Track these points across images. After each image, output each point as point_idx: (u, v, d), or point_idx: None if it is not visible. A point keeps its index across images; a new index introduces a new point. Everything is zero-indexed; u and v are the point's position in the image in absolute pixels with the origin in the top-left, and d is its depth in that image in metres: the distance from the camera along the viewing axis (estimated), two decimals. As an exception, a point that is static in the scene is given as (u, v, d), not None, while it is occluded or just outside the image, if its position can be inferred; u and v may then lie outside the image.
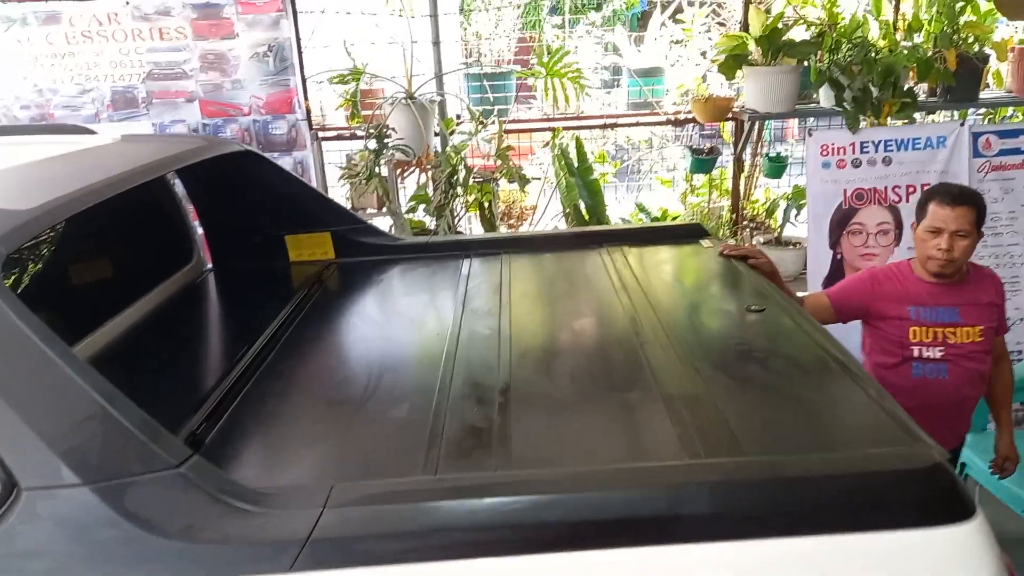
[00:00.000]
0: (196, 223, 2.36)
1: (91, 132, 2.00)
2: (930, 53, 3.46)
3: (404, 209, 3.60)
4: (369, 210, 3.59)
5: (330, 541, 1.00)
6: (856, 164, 3.42)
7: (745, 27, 3.63)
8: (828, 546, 1.01)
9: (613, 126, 4.15)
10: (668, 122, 4.08)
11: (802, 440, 1.25)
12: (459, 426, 1.30)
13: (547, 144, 4.04)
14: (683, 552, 1.01)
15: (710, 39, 4.29)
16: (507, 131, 3.65)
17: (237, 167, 2.12)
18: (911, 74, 3.56)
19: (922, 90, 3.70)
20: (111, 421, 1.00)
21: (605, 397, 1.42)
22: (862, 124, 3.37)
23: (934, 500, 1.02)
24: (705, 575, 1.01)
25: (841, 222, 3.48)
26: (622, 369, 1.52)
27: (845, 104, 3.32)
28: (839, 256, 3.52)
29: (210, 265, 2.35)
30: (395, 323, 1.90)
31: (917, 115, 3.57)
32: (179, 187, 2.31)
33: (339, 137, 3.80)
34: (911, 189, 3.41)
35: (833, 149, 3.42)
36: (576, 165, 3.88)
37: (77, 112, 3.42)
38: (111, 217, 1.60)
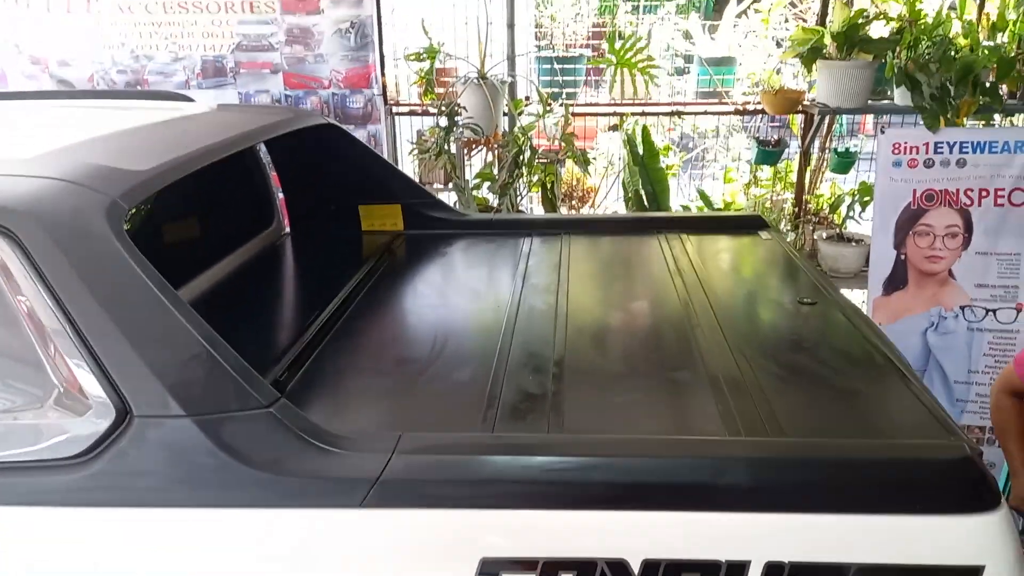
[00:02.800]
0: (277, 189, 2.51)
1: (189, 99, 2.16)
2: (1012, 53, 3.37)
3: (470, 186, 3.71)
4: (436, 185, 3.71)
5: (396, 483, 1.11)
6: (928, 164, 3.37)
7: (822, 20, 3.59)
8: (858, 525, 1.07)
9: (680, 114, 4.15)
10: (736, 112, 4.07)
11: (841, 427, 1.31)
12: (516, 391, 1.40)
13: (612, 128, 4.08)
14: (717, 519, 1.09)
15: (787, 30, 4.25)
16: (574, 114, 3.71)
17: (319, 138, 2.25)
18: (991, 74, 3.47)
19: (1001, 92, 3.61)
20: (212, 362, 1.13)
21: (654, 374, 1.50)
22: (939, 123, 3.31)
23: (962, 489, 1.08)
24: (736, 542, 1.08)
25: (908, 222, 3.43)
26: (672, 350, 1.60)
27: (924, 103, 3.26)
28: (903, 257, 3.48)
29: (288, 229, 2.50)
30: (459, 294, 2.01)
31: (995, 118, 3.48)
32: (263, 155, 2.46)
33: (412, 113, 3.92)
34: (984, 193, 3.34)
35: (905, 148, 3.37)
36: (642, 153, 3.91)
37: (169, 79, 3.62)
38: (206, 180, 1.74)
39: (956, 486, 1.09)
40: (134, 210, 2.05)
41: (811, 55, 3.50)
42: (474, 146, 3.70)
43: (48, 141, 1.47)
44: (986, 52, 3.29)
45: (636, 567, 1.08)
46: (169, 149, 1.47)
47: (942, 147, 3.34)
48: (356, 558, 1.12)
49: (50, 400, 1.17)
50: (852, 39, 3.39)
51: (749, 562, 1.07)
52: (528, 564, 1.09)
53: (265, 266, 2.22)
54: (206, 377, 1.14)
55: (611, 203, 4.17)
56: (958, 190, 3.37)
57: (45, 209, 1.17)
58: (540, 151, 3.68)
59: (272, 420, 1.14)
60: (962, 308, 3.39)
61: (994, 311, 3.36)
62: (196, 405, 1.12)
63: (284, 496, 1.12)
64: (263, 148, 2.44)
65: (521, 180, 3.64)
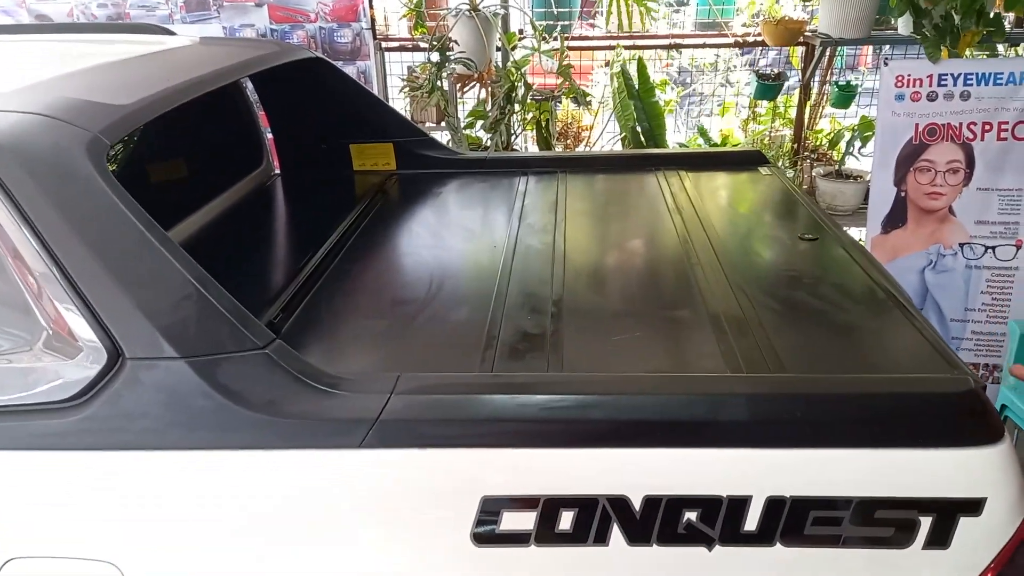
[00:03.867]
0: (266, 128, 2.44)
1: (172, 33, 2.07)
2: (1023, -20, 3.27)
3: (462, 124, 3.62)
4: (428, 123, 3.63)
5: (396, 423, 1.10)
6: (932, 97, 3.30)
7: (826, -54, 3.46)
8: (859, 459, 1.07)
9: (678, 47, 4.05)
10: (735, 44, 3.97)
11: (844, 362, 1.30)
12: (514, 331, 1.38)
13: (608, 63, 3.97)
14: (718, 455, 1.08)
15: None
16: (569, 48, 3.61)
17: (306, 74, 2.18)
18: (997, 2, 3.37)
19: (1008, 21, 3.51)
20: (205, 302, 1.11)
21: (653, 313, 1.49)
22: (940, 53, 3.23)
23: (965, 422, 1.07)
24: (737, 477, 1.08)
25: (909, 158, 3.38)
26: (671, 288, 1.58)
27: (925, 31, 3.17)
28: (903, 194, 3.44)
29: (278, 170, 2.44)
30: (454, 234, 1.98)
31: (1000, 48, 3.40)
32: (250, 93, 2.38)
33: (402, 48, 3.80)
34: (987, 127, 3.28)
35: (909, 80, 3.29)
36: (637, 87, 3.82)
37: (152, 12, 3.49)
38: (192, 119, 1.69)
39: (959, 419, 1.08)
40: (120, 149, 2.01)
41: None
42: (467, 82, 3.60)
43: (26, 76, 1.41)
44: (995, -21, 3.19)
45: (637, 503, 1.08)
46: (151, 83, 1.41)
47: (946, 79, 3.26)
48: (356, 499, 1.12)
49: (39, 343, 1.15)
50: (857, -34, 3.28)
51: (750, 497, 1.07)
52: (529, 501, 1.09)
53: (255, 208, 2.18)
54: (199, 318, 1.12)
55: (607, 142, 4.10)
56: (961, 124, 3.31)
57: (24, 146, 1.12)
58: (535, 88, 3.58)
59: (267, 361, 1.12)
60: (961, 246, 3.37)
61: (993, 248, 3.34)
62: (190, 347, 1.10)
63: (282, 437, 1.11)
64: (250, 86, 2.36)
65: (514, 117, 3.56)
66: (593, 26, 4.32)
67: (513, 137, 3.67)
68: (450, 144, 3.50)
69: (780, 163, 3.85)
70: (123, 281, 1.09)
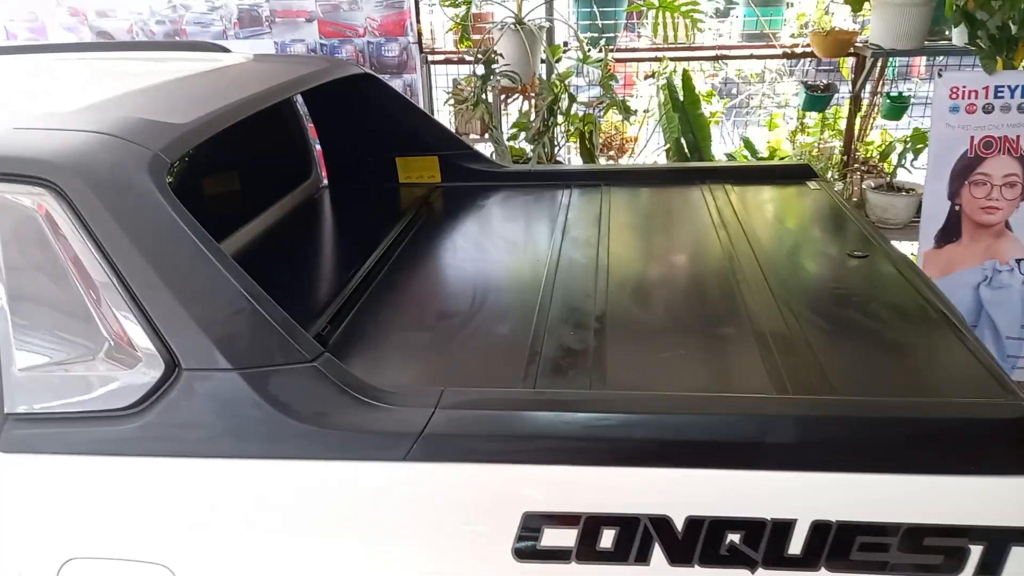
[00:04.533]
0: (315, 140, 2.50)
1: (226, 50, 2.14)
2: (1086, -11, 3.16)
3: (506, 136, 3.65)
4: (472, 135, 3.66)
5: (440, 437, 1.12)
6: (988, 110, 3.21)
7: (878, -45, 3.40)
8: (908, 485, 1.05)
9: (724, 58, 4.01)
10: (784, 56, 3.92)
11: (893, 384, 1.28)
12: (557, 346, 1.39)
13: (652, 74, 3.96)
14: (763, 478, 1.07)
15: (838, -33, 4.04)
16: (614, 60, 3.61)
17: (355, 88, 2.22)
18: (1059, 13, 3.27)
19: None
20: (257, 316, 1.14)
21: (698, 330, 1.48)
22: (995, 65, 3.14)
23: (1018, 449, 1.04)
24: (782, 500, 1.07)
25: (964, 171, 3.29)
26: (717, 304, 1.57)
27: (980, 42, 3.09)
28: (957, 207, 3.35)
29: (326, 182, 2.49)
30: (498, 247, 2.00)
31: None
32: (300, 106, 2.44)
33: (447, 61, 3.85)
34: (1046, 139, 3.19)
35: (964, 92, 3.21)
36: (683, 99, 3.80)
37: (207, 29, 3.60)
38: (245, 133, 1.74)
39: (1011, 446, 1.06)
40: (177, 162, 2.07)
41: (863, -7, 3.34)
42: (511, 94, 3.63)
43: (89, 95, 1.47)
44: (1055, -12, 3.09)
45: (680, 523, 1.07)
46: (208, 101, 1.46)
47: (1003, 91, 3.17)
48: (399, 511, 1.13)
49: (101, 353, 1.19)
50: (910, -25, 3.22)
51: (795, 521, 1.05)
52: (570, 519, 1.09)
53: (304, 219, 2.23)
54: (251, 331, 1.15)
55: (651, 153, 4.08)
56: (1018, 137, 3.22)
57: (89, 164, 1.17)
58: (578, 100, 3.59)
59: (316, 374, 1.15)
60: (1018, 261, 3.27)
61: (1050, 264, 3.24)
62: (242, 359, 1.13)
63: (329, 449, 1.13)
64: (300, 100, 2.42)
65: (558, 129, 3.57)
66: (639, 36, 4.32)
67: (557, 149, 3.68)
68: (494, 156, 3.53)
69: (829, 175, 3.78)
70: (181, 295, 1.13)
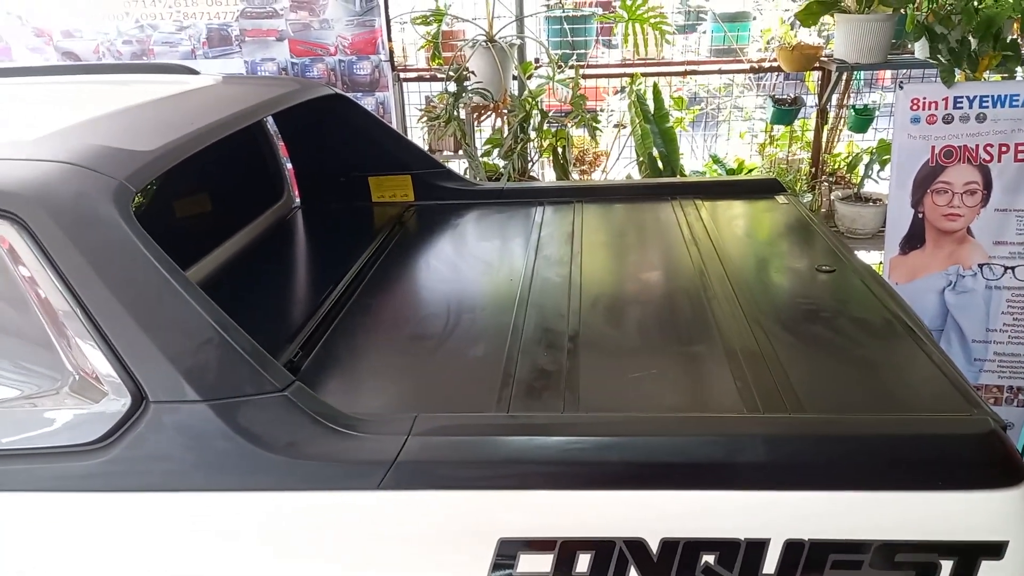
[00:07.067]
0: (286, 160, 2.48)
1: (194, 72, 2.12)
2: (1040, 4, 3.26)
3: (479, 153, 3.66)
4: (446, 152, 3.67)
5: (413, 465, 1.11)
6: (947, 120, 3.29)
7: (840, -29, 3.47)
8: (879, 502, 1.06)
9: (693, 72, 4.06)
10: (751, 70, 3.98)
11: (862, 400, 1.29)
12: (530, 368, 1.39)
13: (623, 89, 4.00)
14: (736, 498, 1.08)
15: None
16: (585, 75, 3.64)
17: (326, 109, 2.22)
18: (1014, 26, 3.36)
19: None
20: (226, 346, 1.13)
21: (670, 348, 1.49)
22: (956, 77, 3.22)
23: (986, 464, 1.06)
24: (755, 520, 1.08)
25: (926, 180, 3.36)
26: (688, 322, 1.58)
27: (940, 56, 3.17)
28: (921, 215, 3.42)
29: (298, 202, 2.48)
30: (471, 267, 2.00)
31: (1018, 71, 3.38)
32: (270, 126, 2.43)
33: (419, 79, 3.85)
34: (1004, 148, 3.26)
35: (924, 103, 3.28)
36: (652, 112, 3.84)
37: (175, 48, 3.57)
38: (212, 155, 1.72)
39: (979, 461, 1.07)
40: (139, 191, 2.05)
41: (816, 7, 3.39)
42: (483, 111, 3.64)
43: (52, 122, 1.45)
44: (1010, 3, 3.18)
45: (654, 546, 1.08)
46: (175, 128, 1.44)
47: (961, 102, 3.25)
48: (374, 541, 1.12)
49: (66, 386, 1.17)
50: (871, -9, 3.29)
51: (768, 540, 1.06)
52: (546, 544, 1.09)
53: (276, 241, 2.21)
54: (220, 362, 1.14)
55: (623, 167, 4.11)
56: (977, 146, 3.29)
57: (52, 194, 1.16)
58: (550, 114, 3.61)
59: (287, 404, 1.13)
60: (980, 266, 3.34)
61: (1012, 268, 3.31)
62: (211, 390, 1.12)
63: (301, 479, 1.12)
64: (271, 120, 2.40)
65: (531, 145, 3.59)
66: (608, 50, 4.36)
67: (530, 164, 3.70)
68: (467, 172, 3.54)
69: (798, 187, 3.84)
70: (147, 326, 1.11)
